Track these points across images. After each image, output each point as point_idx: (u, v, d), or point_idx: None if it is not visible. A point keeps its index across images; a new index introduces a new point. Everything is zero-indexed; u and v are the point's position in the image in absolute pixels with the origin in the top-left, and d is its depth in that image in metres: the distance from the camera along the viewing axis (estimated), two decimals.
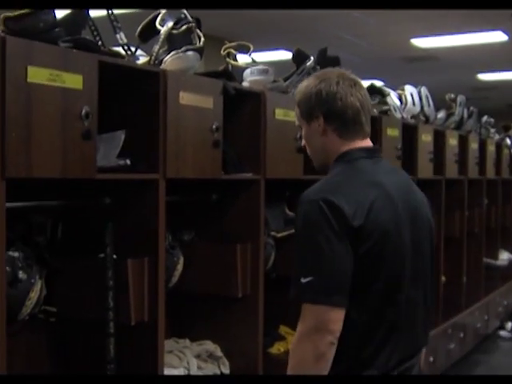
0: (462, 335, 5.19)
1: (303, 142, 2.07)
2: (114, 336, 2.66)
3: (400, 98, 4.85)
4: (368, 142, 2.02)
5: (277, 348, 3.79)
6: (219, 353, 3.33)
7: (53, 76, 2.16)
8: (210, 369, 3.26)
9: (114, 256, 2.66)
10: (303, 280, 1.77)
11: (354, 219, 1.81)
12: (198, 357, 3.27)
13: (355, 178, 1.93)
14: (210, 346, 3.35)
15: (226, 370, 3.31)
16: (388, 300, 1.90)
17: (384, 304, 1.89)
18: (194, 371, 3.17)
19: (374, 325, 1.89)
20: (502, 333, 6.75)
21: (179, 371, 3.11)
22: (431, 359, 4.32)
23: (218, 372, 3.28)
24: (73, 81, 2.23)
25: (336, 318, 1.79)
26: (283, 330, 3.94)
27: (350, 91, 1.92)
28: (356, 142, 1.97)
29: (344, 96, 1.91)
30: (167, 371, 2.95)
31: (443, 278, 5.43)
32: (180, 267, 3.10)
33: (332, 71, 2.00)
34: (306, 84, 1.99)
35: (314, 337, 1.77)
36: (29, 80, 2.09)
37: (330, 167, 1.98)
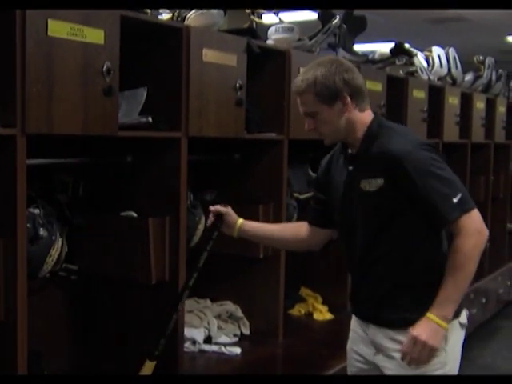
0: (484, 300, 5.14)
1: (309, 126, 2.16)
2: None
3: (427, 60, 4.75)
4: None
5: (298, 310, 3.78)
6: (240, 313, 3.33)
7: (73, 30, 2.12)
8: (231, 329, 3.26)
9: (135, 214, 2.65)
10: (455, 199, 2.04)
11: None
12: (218, 317, 3.28)
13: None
14: (230, 306, 3.35)
15: (247, 331, 3.31)
16: None
17: None
18: (215, 331, 3.18)
19: None
20: None
21: (199, 331, 3.11)
22: None
23: (239, 332, 3.28)
24: (94, 36, 2.19)
25: None
26: (304, 292, 3.93)
27: (356, 72, 2.16)
28: (369, 111, 2.20)
29: (356, 75, 2.15)
30: (187, 331, 2.96)
31: None
32: (201, 227, 3.08)
33: (332, 59, 2.20)
34: (317, 73, 2.12)
35: (479, 237, 2.07)
36: (49, 34, 2.05)
37: (367, 135, 2.15)
